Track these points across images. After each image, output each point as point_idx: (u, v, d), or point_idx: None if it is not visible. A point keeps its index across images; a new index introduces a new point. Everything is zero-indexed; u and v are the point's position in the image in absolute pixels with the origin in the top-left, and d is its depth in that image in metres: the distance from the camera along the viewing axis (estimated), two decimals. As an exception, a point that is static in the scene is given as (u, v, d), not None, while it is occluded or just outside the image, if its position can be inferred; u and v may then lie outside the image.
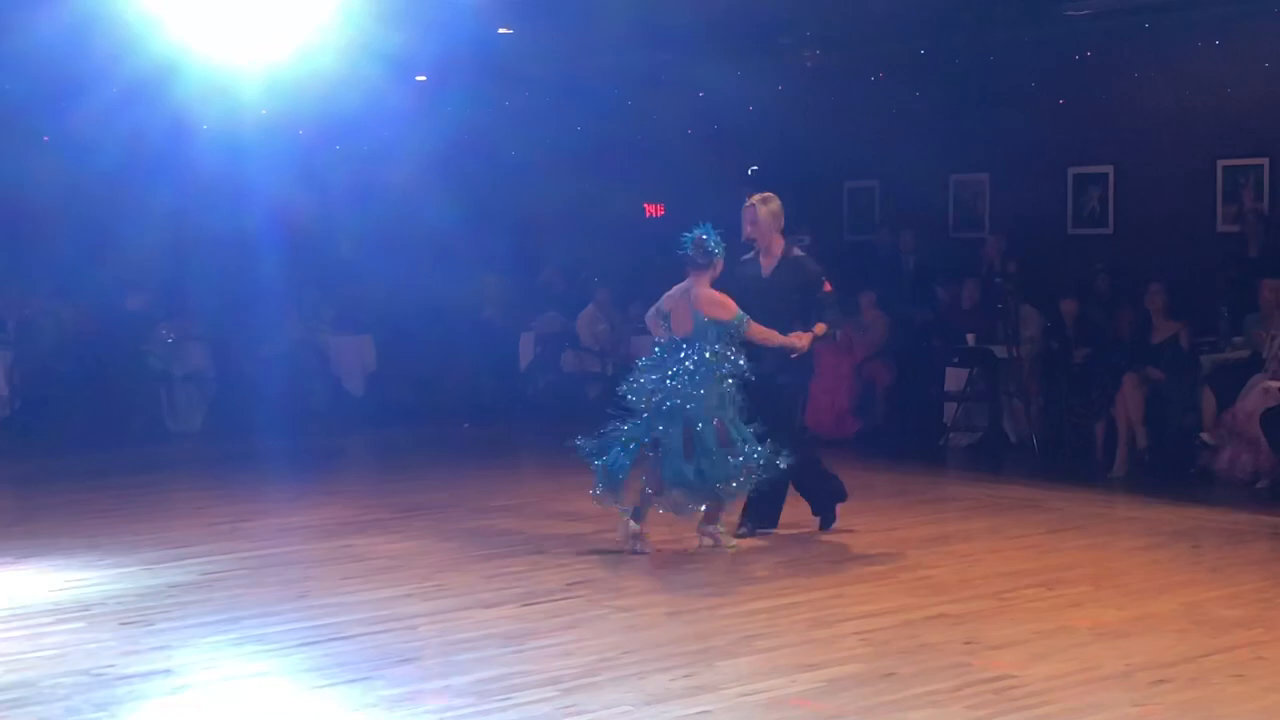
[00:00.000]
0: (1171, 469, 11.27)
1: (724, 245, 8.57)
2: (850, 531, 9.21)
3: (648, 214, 17.86)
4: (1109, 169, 14.34)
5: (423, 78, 15.15)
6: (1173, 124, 13.80)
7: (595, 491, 8.43)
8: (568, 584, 7.74)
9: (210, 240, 14.57)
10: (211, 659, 6.41)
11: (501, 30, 14.13)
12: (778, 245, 8.97)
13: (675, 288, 8.60)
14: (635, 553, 8.37)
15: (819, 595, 7.50)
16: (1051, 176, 14.56)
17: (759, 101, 16.15)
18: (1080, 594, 7.56)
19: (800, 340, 8.61)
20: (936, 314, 14.22)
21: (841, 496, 9.24)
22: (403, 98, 14.39)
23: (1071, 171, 14.54)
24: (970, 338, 13.24)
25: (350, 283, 15.96)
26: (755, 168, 17.03)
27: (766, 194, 9.10)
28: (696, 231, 8.51)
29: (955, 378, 13.35)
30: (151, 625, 6.94)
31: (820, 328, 8.75)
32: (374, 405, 15.30)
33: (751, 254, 9.02)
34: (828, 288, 8.98)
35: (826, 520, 9.19)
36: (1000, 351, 13.02)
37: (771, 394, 8.56)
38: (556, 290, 16.49)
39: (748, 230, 8.95)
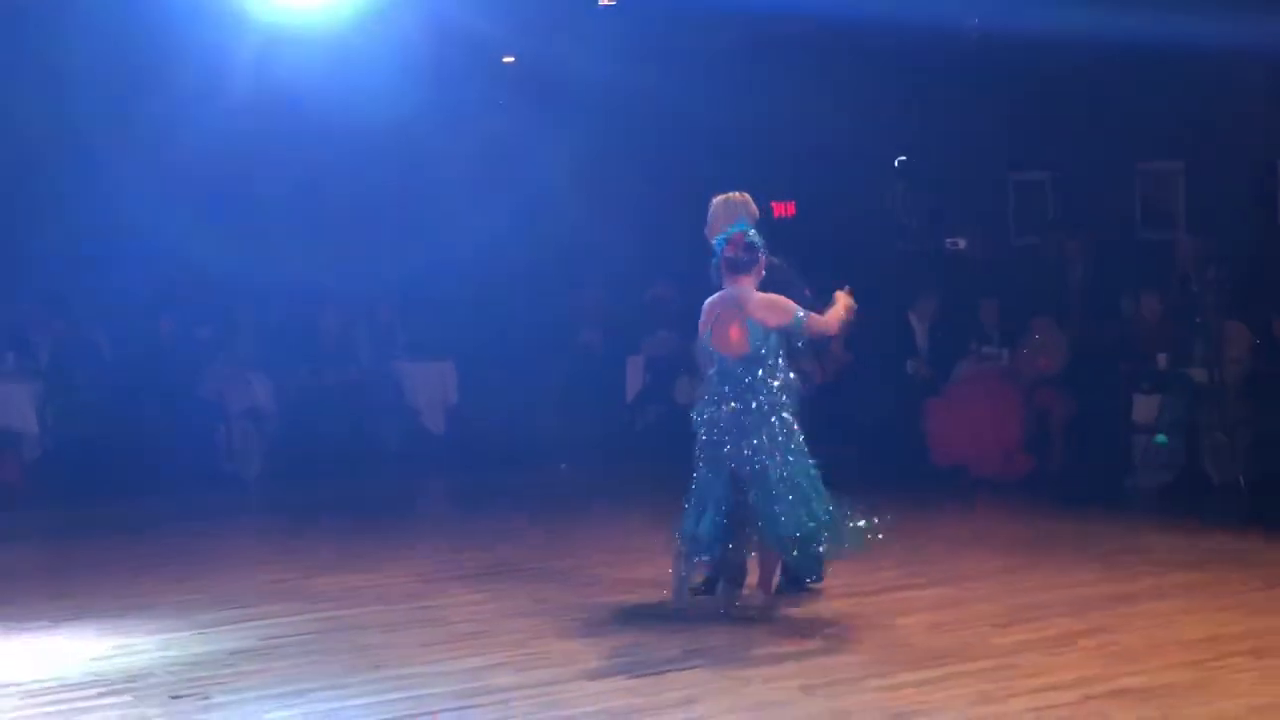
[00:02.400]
0: None
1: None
2: (1018, 586, 9.18)
3: (776, 214, 17.92)
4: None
5: (510, 58, 15.43)
6: None
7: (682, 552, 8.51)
8: (685, 651, 7.79)
9: (269, 256, 14.87)
10: (275, 738, 6.57)
11: (604, 1, 14.36)
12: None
13: (711, 303, 8.47)
14: (735, 614, 8.39)
15: (982, 665, 7.48)
16: (1259, 166, 14.40)
17: (905, 80, 16.15)
18: (1297, 664, 7.50)
19: (844, 313, 8.60)
20: (1121, 331, 14.10)
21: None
22: (482, 85, 14.74)
23: (1285, 163, 14.39)
24: (1162, 359, 13.12)
25: (428, 301, 16.16)
26: (903, 159, 17.06)
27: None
28: (731, 230, 8.47)
29: (1144, 407, 13.22)
30: (206, 700, 7.11)
31: (842, 295, 8.65)
32: (456, 443, 15.47)
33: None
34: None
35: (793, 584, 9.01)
36: (1199, 375, 12.89)
37: None
38: (668, 306, 16.55)
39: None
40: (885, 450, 14.06)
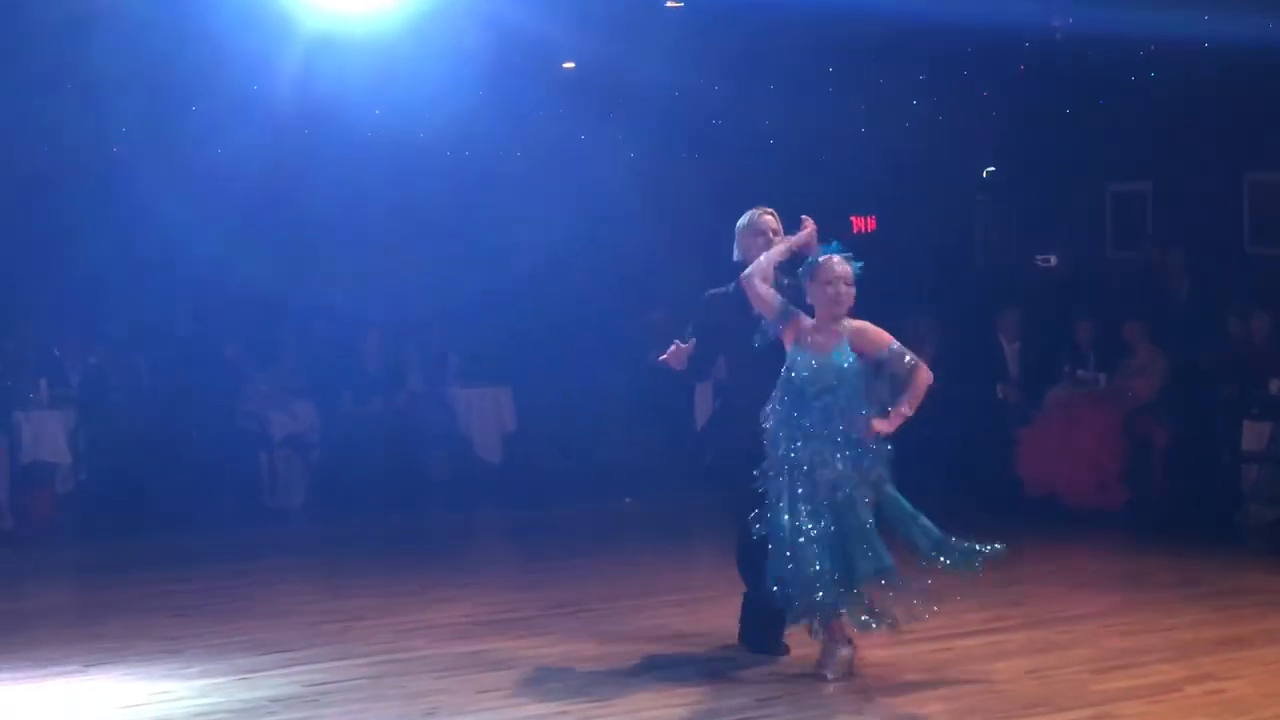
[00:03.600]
0: None
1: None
2: (1117, 628, 9.11)
3: (855, 228, 17.91)
4: None
5: (570, 64, 15.48)
6: None
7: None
8: (759, 700, 7.77)
9: (312, 275, 14.95)
10: (321, 791, 6.59)
11: (670, 4, 14.37)
12: None
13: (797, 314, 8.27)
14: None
15: (1079, 715, 7.44)
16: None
17: (991, 86, 16.09)
18: None
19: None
20: (1228, 353, 14.00)
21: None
22: (541, 93, 14.81)
23: None
24: (1274, 384, 13.03)
25: (483, 323, 16.19)
26: (991, 169, 17.01)
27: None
28: (831, 249, 8.34)
29: (1254, 435, 13.13)
30: (248, 749, 7.14)
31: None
32: (513, 474, 15.50)
33: (729, 288, 8.72)
34: None
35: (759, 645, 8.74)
36: (1313, 400, 12.81)
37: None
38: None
39: (766, 245, 8.63)
40: (973, 481, 14.01)
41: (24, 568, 12.19)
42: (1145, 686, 7.94)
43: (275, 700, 7.91)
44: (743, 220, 8.91)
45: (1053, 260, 16.04)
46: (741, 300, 8.48)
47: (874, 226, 18.01)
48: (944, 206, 17.29)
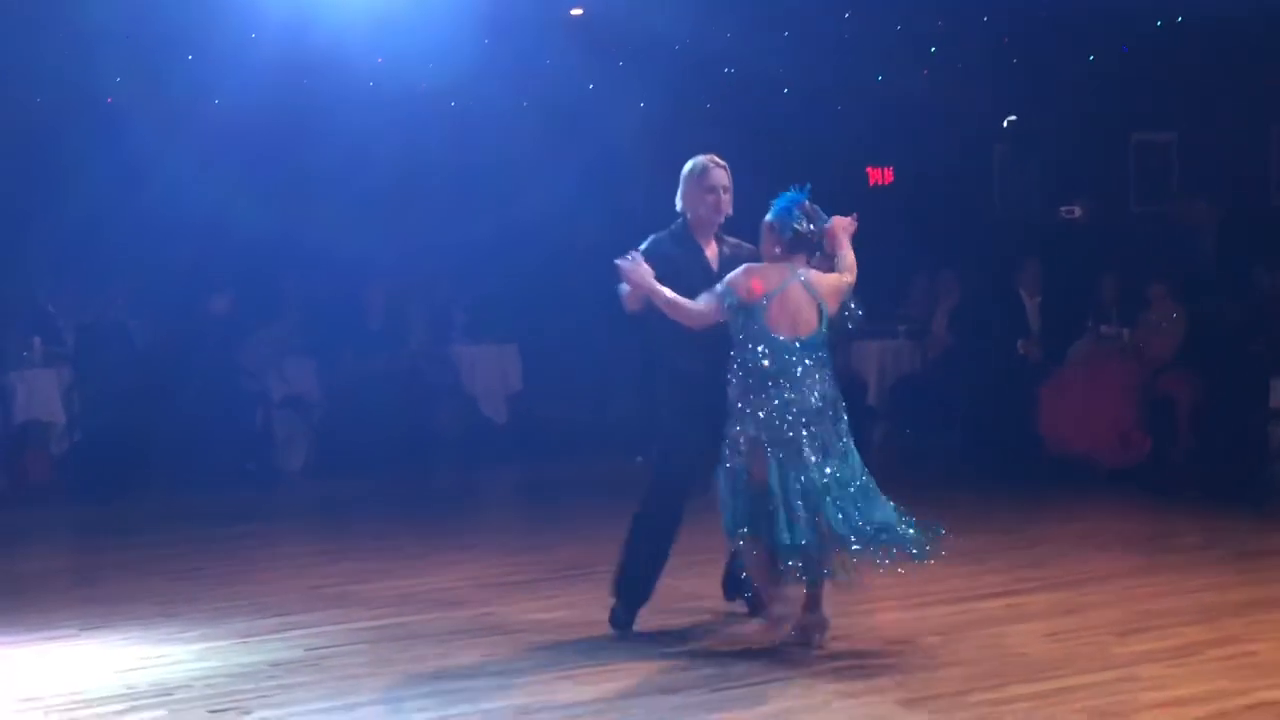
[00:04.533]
0: None
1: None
2: (1140, 590, 9.12)
3: (872, 180, 17.88)
4: None
5: (578, 11, 15.42)
6: None
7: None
8: (770, 663, 7.76)
9: (311, 230, 14.93)
10: (321, 757, 6.60)
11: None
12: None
13: (767, 268, 7.99)
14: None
15: (1101, 678, 7.42)
16: None
17: (1010, 32, 16.02)
18: None
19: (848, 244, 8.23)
20: (1255, 308, 13.95)
21: (644, 598, 8.54)
22: (547, 40, 14.78)
23: None
24: (1303, 338, 13.01)
25: (488, 279, 16.18)
26: (1012, 119, 16.95)
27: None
28: (796, 199, 8.06)
29: (1283, 391, 13.12)
30: (248, 713, 7.14)
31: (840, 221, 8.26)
32: (519, 433, 15.50)
33: (672, 232, 8.41)
34: None
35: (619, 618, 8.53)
36: (1344, 356, 12.76)
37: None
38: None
39: (715, 203, 8.38)
40: (993, 439, 14.00)
41: (18, 529, 12.22)
42: (1168, 649, 7.93)
43: (275, 664, 7.93)
44: (691, 167, 8.51)
45: (1077, 211, 15.97)
46: (693, 245, 8.34)
47: (891, 178, 17.99)
48: (963, 157, 17.25)
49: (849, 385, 15.31)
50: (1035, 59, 16.14)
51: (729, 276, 8.02)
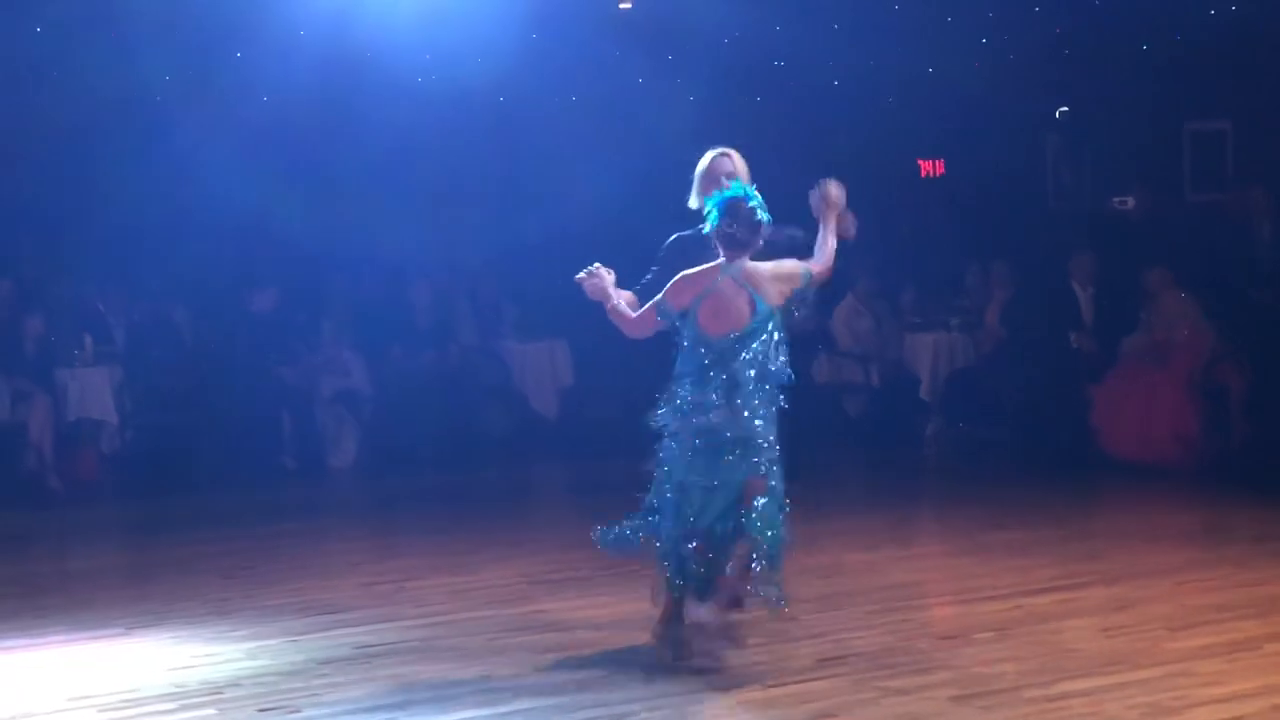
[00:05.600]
0: None
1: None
2: (1194, 584, 9.08)
3: (924, 173, 17.82)
4: None
5: (627, 4, 15.42)
6: None
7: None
8: (822, 660, 7.77)
9: (358, 226, 14.97)
10: (372, 755, 6.62)
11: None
12: None
13: (695, 274, 7.90)
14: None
15: (1155, 674, 7.40)
16: None
17: (1063, 21, 15.94)
18: None
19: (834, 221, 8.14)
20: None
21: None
22: (594, 35, 14.80)
23: None
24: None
25: (538, 275, 16.19)
26: (1065, 109, 16.88)
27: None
28: (730, 195, 7.88)
29: (1340, 382, 13.02)
30: (297, 712, 7.17)
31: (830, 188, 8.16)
32: (570, 430, 15.51)
33: (700, 230, 8.16)
34: None
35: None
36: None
37: None
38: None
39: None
40: (1046, 433, 13.95)
41: (69, 528, 12.32)
42: (1223, 644, 7.89)
43: (325, 662, 7.96)
44: (702, 165, 8.54)
45: (1130, 202, 15.90)
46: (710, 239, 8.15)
47: (942, 170, 17.93)
48: (1015, 148, 17.17)
49: (901, 379, 15.39)
50: (1087, 49, 16.06)
51: (665, 288, 7.99)
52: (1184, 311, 13.68)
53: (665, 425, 8.05)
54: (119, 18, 13.33)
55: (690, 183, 8.58)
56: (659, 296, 8.01)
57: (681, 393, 8.00)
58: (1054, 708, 6.90)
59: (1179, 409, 13.32)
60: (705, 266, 7.90)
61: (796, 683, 7.38)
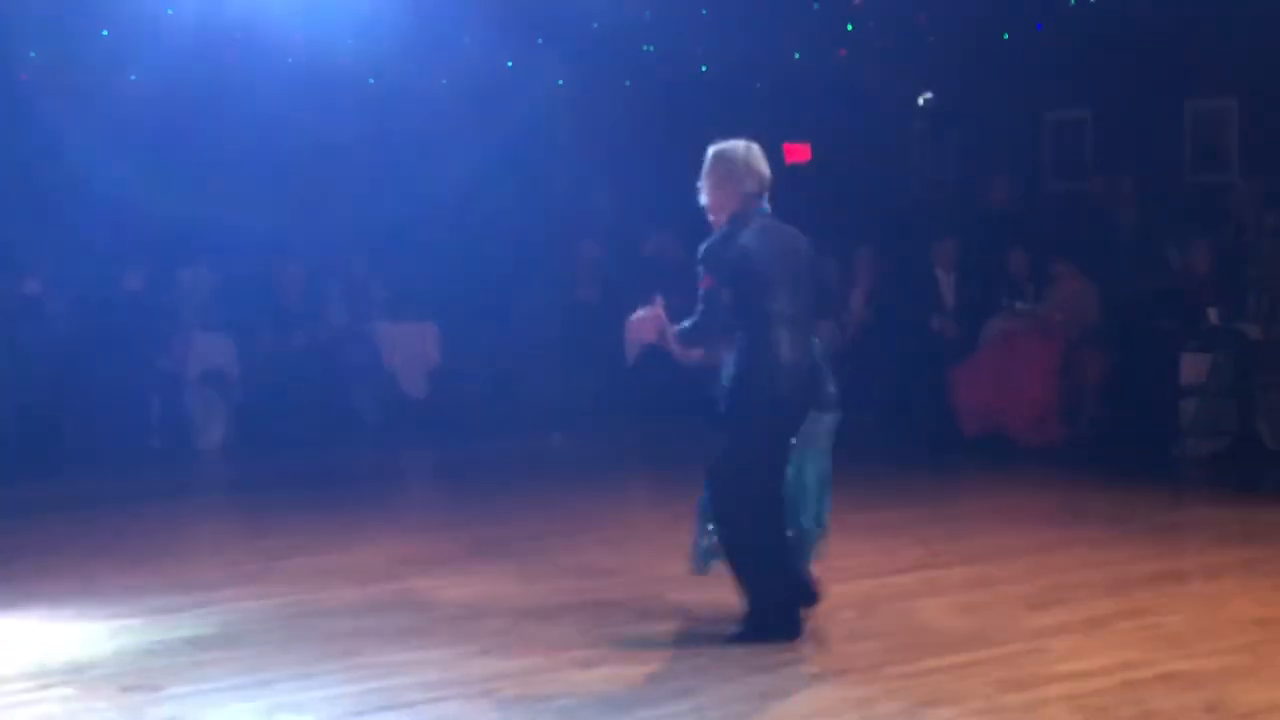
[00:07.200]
0: None
1: None
2: (1052, 563, 9.19)
3: (789, 158, 17.88)
4: None
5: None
6: None
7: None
8: (684, 636, 7.79)
9: (225, 205, 14.83)
10: (235, 734, 6.54)
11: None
12: None
13: None
14: None
15: (1012, 650, 7.47)
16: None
17: (927, 8, 16.08)
18: (1359, 647, 7.48)
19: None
20: (1167, 284, 14.06)
21: (808, 599, 7.98)
22: (462, 13, 14.77)
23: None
24: (1213, 314, 13.09)
25: (406, 255, 16.14)
26: (928, 95, 17.01)
27: None
28: None
29: (1193, 367, 13.20)
30: (159, 690, 7.08)
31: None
32: (438, 411, 15.46)
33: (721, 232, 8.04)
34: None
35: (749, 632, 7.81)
36: (1254, 332, 12.87)
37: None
38: (670, 261, 16.52)
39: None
40: (909, 416, 14.07)
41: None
42: (1079, 621, 7.99)
43: (189, 642, 7.87)
44: (736, 154, 8.35)
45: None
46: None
47: (809, 156, 18.00)
48: (879, 135, 17.29)
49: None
50: (950, 37, 16.19)
51: None
52: (1083, 296, 13.82)
53: None
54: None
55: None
56: None
57: None
58: (913, 684, 6.94)
59: (1041, 390, 13.47)
60: None
61: (658, 660, 7.38)
